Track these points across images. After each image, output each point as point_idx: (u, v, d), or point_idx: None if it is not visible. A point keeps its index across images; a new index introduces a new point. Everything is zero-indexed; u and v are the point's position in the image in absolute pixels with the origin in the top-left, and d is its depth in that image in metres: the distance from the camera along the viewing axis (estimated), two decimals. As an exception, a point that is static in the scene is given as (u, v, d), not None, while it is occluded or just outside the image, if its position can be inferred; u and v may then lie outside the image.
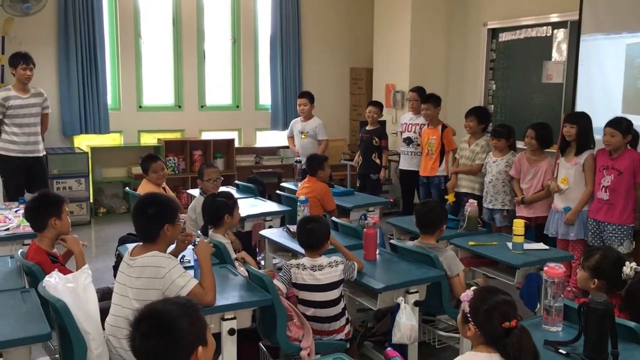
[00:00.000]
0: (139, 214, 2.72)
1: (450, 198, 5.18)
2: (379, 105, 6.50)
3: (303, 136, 6.52)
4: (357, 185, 6.56)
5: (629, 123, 4.24)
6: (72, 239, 3.13)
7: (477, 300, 1.96)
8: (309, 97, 6.52)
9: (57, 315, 2.49)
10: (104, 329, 2.62)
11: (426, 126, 5.96)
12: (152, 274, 2.57)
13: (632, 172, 4.21)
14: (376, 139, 6.34)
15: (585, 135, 4.47)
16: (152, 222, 2.68)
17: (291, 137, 6.74)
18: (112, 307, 2.68)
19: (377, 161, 6.37)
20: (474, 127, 5.40)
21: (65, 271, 2.89)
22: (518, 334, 1.86)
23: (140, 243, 2.76)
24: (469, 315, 1.96)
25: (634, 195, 4.25)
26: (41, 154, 5.65)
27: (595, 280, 2.61)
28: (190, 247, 3.19)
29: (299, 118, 6.67)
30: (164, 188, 4.90)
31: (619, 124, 4.23)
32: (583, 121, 4.50)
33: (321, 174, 5.08)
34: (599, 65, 5.60)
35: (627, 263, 2.50)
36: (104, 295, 3.20)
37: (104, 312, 2.68)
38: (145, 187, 4.80)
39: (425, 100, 5.88)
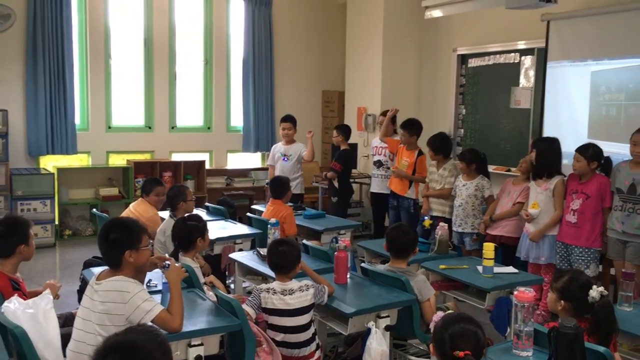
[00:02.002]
0: (102, 239, 2.67)
1: (427, 223, 5.23)
2: (340, 129, 6.50)
3: (286, 158, 6.48)
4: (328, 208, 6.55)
5: (596, 150, 4.30)
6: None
7: (439, 325, 2.03)
8: (293, 121, 6.50)
9: (15, 342, 2.40)
10: (65, 356, 2.53)
11: (402, 144, 5.96)
12: (116, 299, 2.51)
13: (599, 197, 4.28)
14: (332, 161, 6.41)
15: (546, 160, 4.52)
16: (114, 248, 2.63)
17: (272, 166, 6.65)
18: (74, 332, 2.59)
19: (336, 184, 6.37)
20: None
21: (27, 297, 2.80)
22: None
23: (107, 268, 2.70)
24: (431, 335, 2.05)
25: (601, 220, 4.32)
26: None
27: (562, 302, 2.62)
28: (158, 270, 3.12)
29: (280, 142, 6.64)
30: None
31: (584, 150, 4.31)
32: (542, 145, 4.57)
33: (289, 194, 5.12)
34: (565, 91, 5.73)
35: (594, 287, 2.52)
36: (67, 321, 3.10)
37: (66, 338, 2.60)
38: (141, 207, 4.84)
39: (404, 126, 5.84)
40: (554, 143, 4.59)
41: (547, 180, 4.53)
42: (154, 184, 5.04)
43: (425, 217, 5.35)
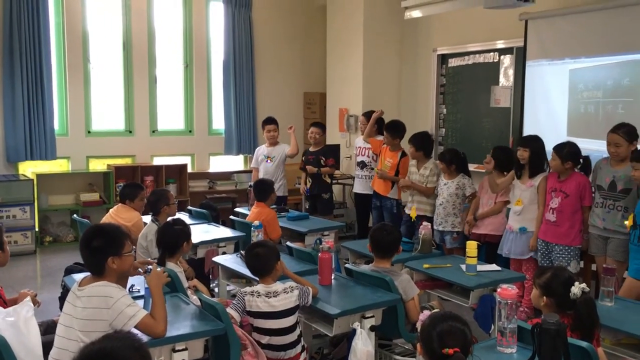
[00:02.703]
0: (84, 246, 2.64)
1: (413, 214, 5.26)
2: (320, 126, 6.55)
3: (269, 160, 6.46)
4: (307, 207, 6.53)
5: (571, 150, 4.31)
6: None
7: (427, 323, 2.04)
8: (277, 122, 6.51)
9: (-5, 351, 2.36)
10: (47, 364, 2.50)
11: (385, 145, 5.97)
12: (99, 304, 2.48)
13: (578, 195, 4.32)
14: (323, 159, 6.37)
15: (538, 158, 4.56)
16: (96, 255, 2.60)
17: (256, 168, 6.63)
18: (56, 339, 2.55)
19: (328, 180, 6.39)
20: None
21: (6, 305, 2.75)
22: None
23: (89, 274, 2.67)
24: (418, 334, 2.05)
25: (580, 218, 4.36)
26: None
27: (545, 297, 2.64)
28: (140, 275, 3.09)
29: (264, 145, 6.62)
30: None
31: (559, 149, 4.33)
32: (535, 144, 4.61)
33: (273, 196, 5.10)
34: (544, 90, 5.79)
35: (576, 283, 2.54)
36: (48, 329, 3.06)
37: (48, 346, 2.56)
38: (124, 213, 4.79)
39: (387, 128, 5.84)
40: (541, 141, 4.63)
41: (531, 178, 4.57)
42: (137, 188, 5.00)
43: (409, 207, 5.39)
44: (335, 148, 6.73)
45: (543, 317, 2.27)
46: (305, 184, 6.50)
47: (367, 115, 6.38)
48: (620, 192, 4.16)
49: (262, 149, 6.61)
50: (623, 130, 4.13)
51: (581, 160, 4.37)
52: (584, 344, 2.36)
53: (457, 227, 5.09)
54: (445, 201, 5.13)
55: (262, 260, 3.15)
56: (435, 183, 5.32)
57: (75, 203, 7.11)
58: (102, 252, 2.59)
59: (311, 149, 6.52)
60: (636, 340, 2.85)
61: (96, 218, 6.24)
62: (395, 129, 5.80)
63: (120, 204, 4.96)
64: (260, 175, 6.42)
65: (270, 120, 6.52)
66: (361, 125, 6.56)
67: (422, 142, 5.46)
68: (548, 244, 4.42)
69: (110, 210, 5.01)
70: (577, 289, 2.52)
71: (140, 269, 2.97)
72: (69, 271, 4.16)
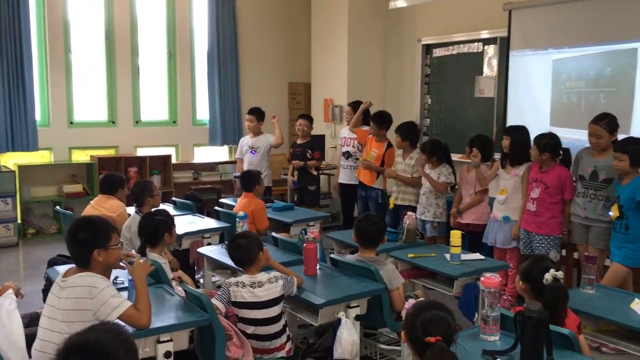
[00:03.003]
0: (70, 238, 2.62)
1: (391, 204, 5.28)
2: (308, 119, 6.53)
3: (253, 151, 6.44)
4: (295, 199, 6.54)
5: (551, 141, 4.33)
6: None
7: (410, 312, 2.06)
8: (256, 113, 6.47)
9: (-23, 344, 2.34)
10: (30, 356, 2.48)
11: (371, 135, 5.98)
12: (83, 294, 2.47)
13: (558, 188, 4.35)
14: (309, 152, 6.36)
15: (519, 148, 4.59)
16: (82, 247, 2.59)
17: (240, 159, 6.61)
18: (40, 331, 2.54)
19: (314, 173, 6.39)
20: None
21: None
22: (437, 350, 1.92)
23: (74, 265, 2.66)
24: (403, 323, 2.09)
25: (559, 209, 4.38)
26: None
27: (521, 283, 2.69)
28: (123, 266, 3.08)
29: (248, 135, 6.61)
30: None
31: (539, 140, 4.36)
32: (517, 134, 4.63)
33: (257, 189, 5.06)
34: (528, 80, 5.83)
35: (551, 270, 2.58)
36: (32, 321, 3.05)
37: (31, 338, 2.55)
38: (108, 203, 4.74)
39: (374, 119, 5.84)
40: (524, 132, 4.66)
41: (516, 167, 4.61)
42: (121, 179, 4.98)
43: (389, 197, 5.42)
44: (320, 139, 6.73)
45: (525, 305, 2.29)
46: (293, 175, 6.50)
47: (354, 105, 6.38)
48: (602, 182, 4.20)
49: (246, 140, 6.59)
50: (604, 122, 4.17)
51: (561, 152, 4.40)
52: (565, 331, 2.39)
53: (438, 217, 5.13)
54: (428, 190, 5.16)
55: (244, 251, 3.15)
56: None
57: (58, 195, 7.05)
58: (88, 244, 2.58)
59: (298, 141, 6.51)
60: (616, 326, 2.90)
61: (79, 210, 6.17)
62: (382, 120, 5.81)
63: (101, 194, 4.93)
64: (245, 166, 6.41)
65: (249, 111, 6.53)
66: (347, 115, 6.56)
67: (409, 132, 5.47)
68: (529, 233, 4.47)
69: (92, 201, 4.97)
70: (549, 275, 2.55)
71: (123, 261, 2.96)
72: (52, 263, 4.13)
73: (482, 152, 4.84)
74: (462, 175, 5.09)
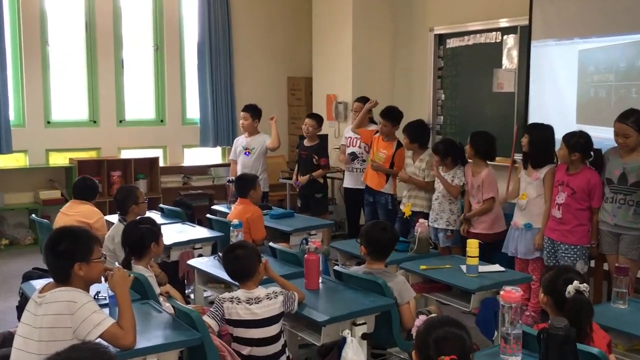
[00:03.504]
0: (49, 250, 2.63)
1: (407, 211, 5.27)
2: (316, 118, 6.51)
3: (248, 152, 6.44)
4: (299, 206, 6.53)
5: (581, 141, 4.31)
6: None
7: (422, 329, 2.05)
8: (251, 110, 6.47)
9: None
10: (3, 380, 2.49)
11: (378, 134, 5.98)
12: (61, 310, 2.48)
13: (585, 194, 4.33)
14: (315, 157, 6.37)
15: (540, 147, 4.59)
16: (62, 260, 2.60)
17: (234, 161, 6.61)
18: (13, 353, 2.55)
19: (320, 180, 6.40)
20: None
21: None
22: None
23: (52, 280, 2.66)
24: (413, 341, 2.07)
25: (587, 216, 4.37)
26: None
27: (542, 295, 2.69)
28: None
29: (243, 135, 6.62)
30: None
31: (568, 138, 4.34)
32: (537, 132, 4.63)
33: (253, 194, 5.05)
34: (551, 72, 5.83)
35: (575, 282, 2.57)
36: (5, 341, 3.06)
37: (4, 360, 2.55)
38: (82, 210, 4.79)
39: (384, 115, 5.83)
40: (547, 130, 4.65)
41: (538, 169, 4.60)
42: (95, 184, 5.03)
43: (404, 203, 5.40)
44: (324, 139, 6.73)
45: (550, 322, 2.29)
46: (297, 177, 6.46)
47: (362, 100, 6.36)
48: (631, 186, 4.18)
49: (240, 140, 6.60)
50: (632, 119, 4.12)
51: (592, 153, 4.38)
52: (594, 350, 2.38)
53: (451, 224, 5.12)
54: (441, 196, 5.16)
55: (242, 263, 3.15)
56: (434, 177, 5.33)
57: (34, 202, 7.06)
58: (68, 257, 2.59)
59: (306, 142, 6.50)
60: (651, 345, 2.89)
61: (58, 218, 6.20)
62: (393, 115, 5.81)
63: (73, 200, 4.95)
64: (239, 168, 6.42)
65: (243, 108, 6.54)
66: (354, 113, 6.52)
67: (417, 133, 5.47)
68: (554, 242, 4.46)
69: (62, 208, 4.97)
70: (572, 287, 2.55)
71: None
72: (28, 277, 4.13)
73: (478, 148, 4.91)
74: (467, 178, 5.08)
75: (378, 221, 3.81)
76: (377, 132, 5.97)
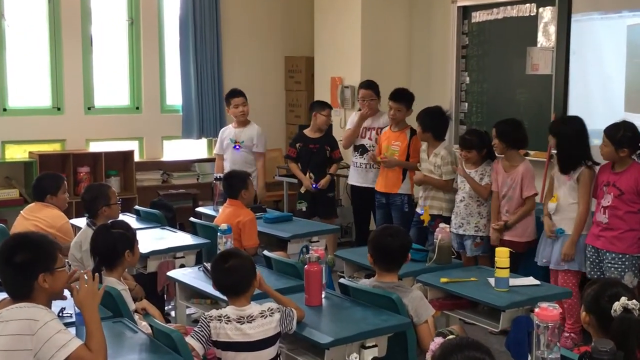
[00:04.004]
0: (4, 262, 2.64)
1: (426, 217, 5.27)
2: (330, 108, 6.59)
3: (238, 145, 6.44)
4: (303, 210, 6.47)
5: (628, 134, 4.32)
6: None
7: (437, 354, 2.04)
8: (244, 95, 6.52)
9: None
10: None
11: (387, 128, 5.99)
12: (20, 330, 2.48)
13: (635, 194, 4.34)
14: (329, 149, 6.38)
15: (569, 147, 4.59)
16: (23, 273, 2.61)
17: (220, 155, 6.63)
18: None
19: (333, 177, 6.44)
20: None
21: None
22: None
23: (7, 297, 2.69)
24: None
25: (638, 220, 4.37)
26: None
27: (584, 313, 2.69)
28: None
29: (231, 125, 6.62)
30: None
31: (613, 132, 4.35)
32: (565, 128, 4.64)
33: (245, 195, 5.06)
34: (596, 51, 5.81)
35: (622, 298, 2.57)
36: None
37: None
38: (45, 213, 4.82)
39: (396, 98, 5.88)
40: (574, 124, 4.64)
41: (568, 172, 4.61)
42: (58, 179, 5.03)
43: (422, 210, 5.40)
44: (330, 129, 6.74)
45: (593, 345, 2.29)
46: (310, 178, 6.41)
47: (370, 87, 6.32)
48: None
49: (228, 131, 6.61)
50: None
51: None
52: (645, 378, 2.38)
53: (481, 230, 5.11)
54: (468, 197, 5.16)
55: (238, 276, 3.15)
56: (452, 174, 5.33)
57: (-12, 203, 7.08)
58: (30, 268, 2.60)
59: (309, 133, 6.50)
60: None
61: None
62: (406, 97, 5.87)
63: (35, 202, 4.96)
64: (227, 164, 6.43)
65: (236, 93, 6.55)
66: (360, 102, 6.49)
67: (432, 120, 5.47)
68: (598, 250, 4.47)
69: (22, 211, 4.99)
70: (619, 304, 2.55)
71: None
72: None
73: (508, 138, 4.90)
74: (496, 177, 5.06)
75: (387, 226, 3.82)
76: (380, 129, 6.05)
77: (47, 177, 5.15)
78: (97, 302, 2.73)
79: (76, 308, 2.78)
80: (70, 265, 4.14)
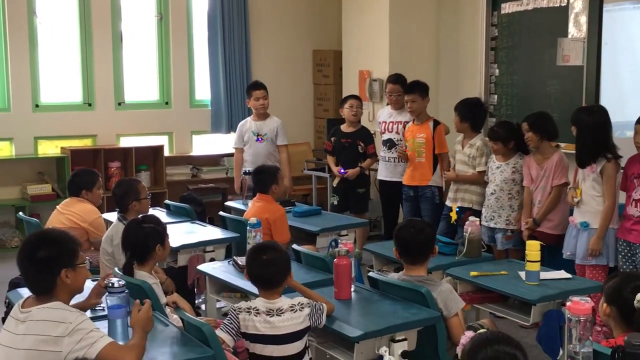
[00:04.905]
0: (26, 259, 2.66)
1: (454, 215, 5.25)
2: (360, 99, 6.57)
3: (260, 138, 6.47)
4: (335, 204, 6.49)
5: None
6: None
7: (467, 348, 2.04)
8: (265, 87, 6.54)
9: None
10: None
11: (411, 122, 5.98)
12: (51, 331, 2.50)
13: None
14: (361, 144, 6.37)
15: (587, 137, 4.52)
16: (46, 269, 2.63)
17: (240, 149, 6.66)
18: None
19: (365, 172, 6.42)
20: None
21: None
22: None
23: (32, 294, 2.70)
24: None
25: None
26: None
27: (605, 305, 2.67)
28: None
29: (250, 118, 6.65)
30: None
31: None
32: (585, 118, 4.56)
33: (276, 189, 5.06)
34: (628, 42, 5.74)
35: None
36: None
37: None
38: (79, 207, 4.92)
39: (409, 90, 5.90)
40: (596, 114, 4.58)
41: (589, 164, 4.55)
42: (93, 175, 5.13)
43: (450, 207, 5.37)
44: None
45: (627, 339, 2.26)
46: (338, 166, 6.43)
47: (398, 81, 6.30)
48: None
49: (248, 124, 6.61)
50: None
51: None
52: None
53: (512, 223, 5.08)
54: (499, 189, 5.12)
55: (273, 269, 3.15)
56: (485, 166, 5.30)
57: (21, 197, 7.17)
58: (53, 264, 2.63)
59: (343, 127, 6.51)
60: None
61: (48, 216, 6.28)
62: (416, 87, 5.88)
63: (71, 197, 5.03)
64: (249, 157, 6.44)
65: (258, 85, 6.56)
66: (388, 96, 6.48)
67: (471, 110, 5.45)
68: (631, 244, 4.41)
69: (58, 206, 5.06)
70: None
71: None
72: (15, 285, 4.20)
73: (541, 129, 4.85)
74: (528, 171, 5.01)
75: (411, 219, 3.80)
76: (408, 122, 6.06)
77: (82, 173, 5.25)
78: (149, 329, 2.74)
79: (109, 301, 2.81)
80: (90, 262, 4.22)
